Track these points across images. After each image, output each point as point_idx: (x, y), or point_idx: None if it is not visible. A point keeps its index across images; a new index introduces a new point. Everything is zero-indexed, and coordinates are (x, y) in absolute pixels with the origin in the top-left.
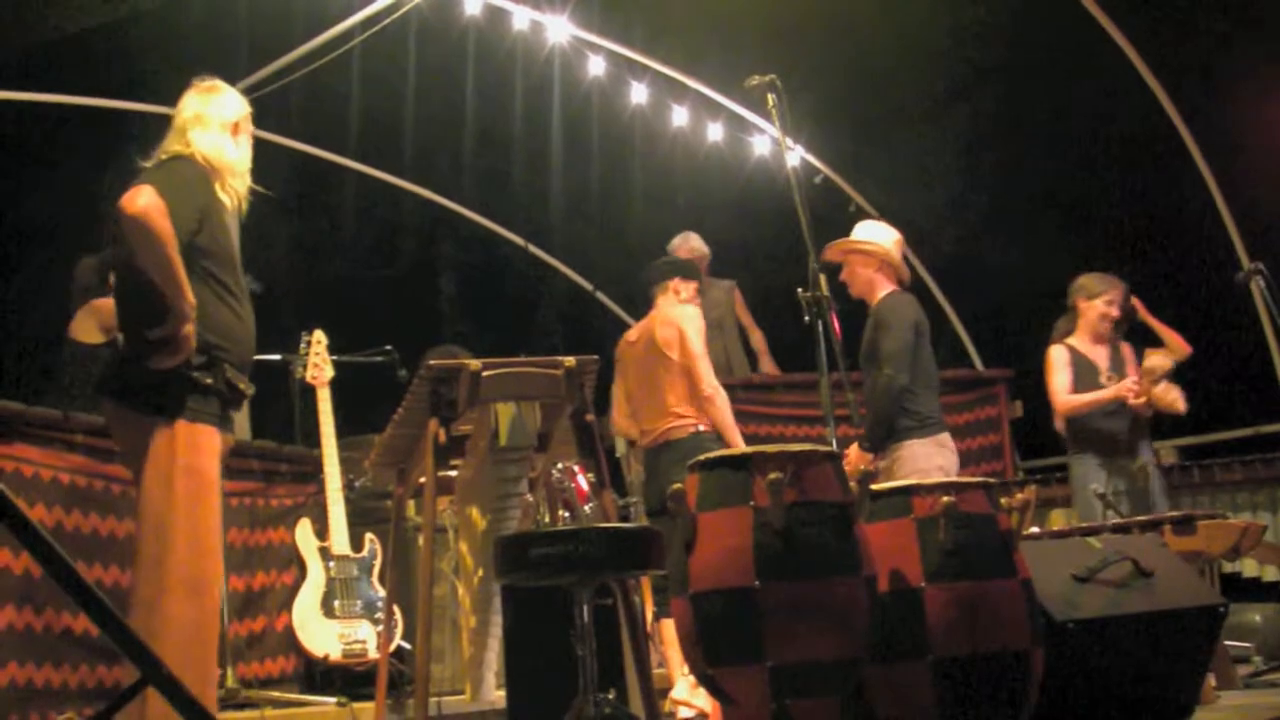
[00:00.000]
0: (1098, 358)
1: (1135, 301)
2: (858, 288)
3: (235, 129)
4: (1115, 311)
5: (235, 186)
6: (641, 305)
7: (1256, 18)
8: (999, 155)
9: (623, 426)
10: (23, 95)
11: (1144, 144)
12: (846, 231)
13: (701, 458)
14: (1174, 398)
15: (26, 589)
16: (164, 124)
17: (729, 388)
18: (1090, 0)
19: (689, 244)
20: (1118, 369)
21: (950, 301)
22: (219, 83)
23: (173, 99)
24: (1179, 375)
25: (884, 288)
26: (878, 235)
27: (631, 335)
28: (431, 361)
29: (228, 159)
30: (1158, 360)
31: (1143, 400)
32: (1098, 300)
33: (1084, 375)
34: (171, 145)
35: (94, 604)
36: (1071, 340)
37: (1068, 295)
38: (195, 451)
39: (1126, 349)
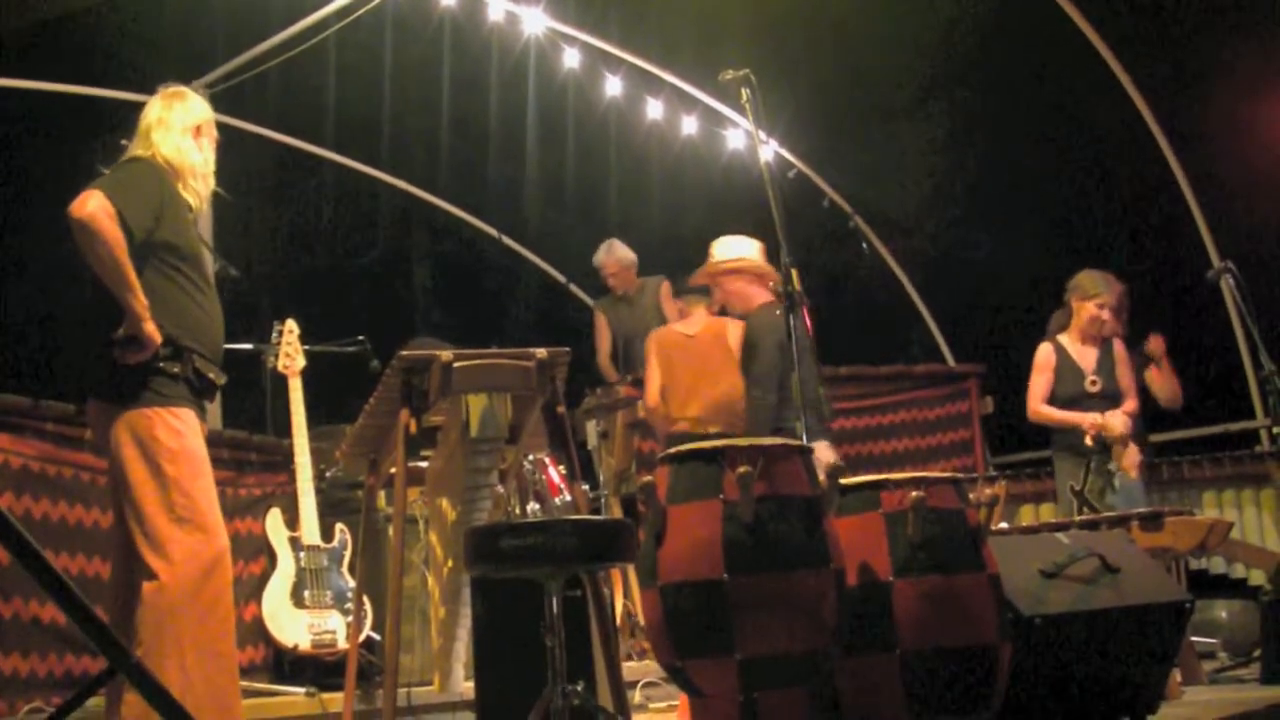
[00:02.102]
0: (1085, 360)
1: (1156, 343)
2: (736, 305)
3: (197, 132)
4: (1106, 315)
5: (197, 188)
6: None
7: (1232, 19)
8: (974, 152)
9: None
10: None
11: (1118, 142)
12: (819, 226)
13: (671, 450)
14: (1130, 463)
15: None
16: (138, 112)
17: None
18: (1075, 11)
19: (614, 257)
20: (1105, 372)
21: (922, 297)
22: (184, 89)
23: (148, 87)
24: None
25: (758, 299)
26: (740, 249)
27: (691, 329)
28: (403, 352)
29: (189, 160)
30: (1116, 422)
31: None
32: (1090, 302)
33: (1068, 377)
34: (134, 149)
35: (64, 593)
36: (1062, 339)
37: (1066, 290)
38: (180, 434)
39: (1119, 348)
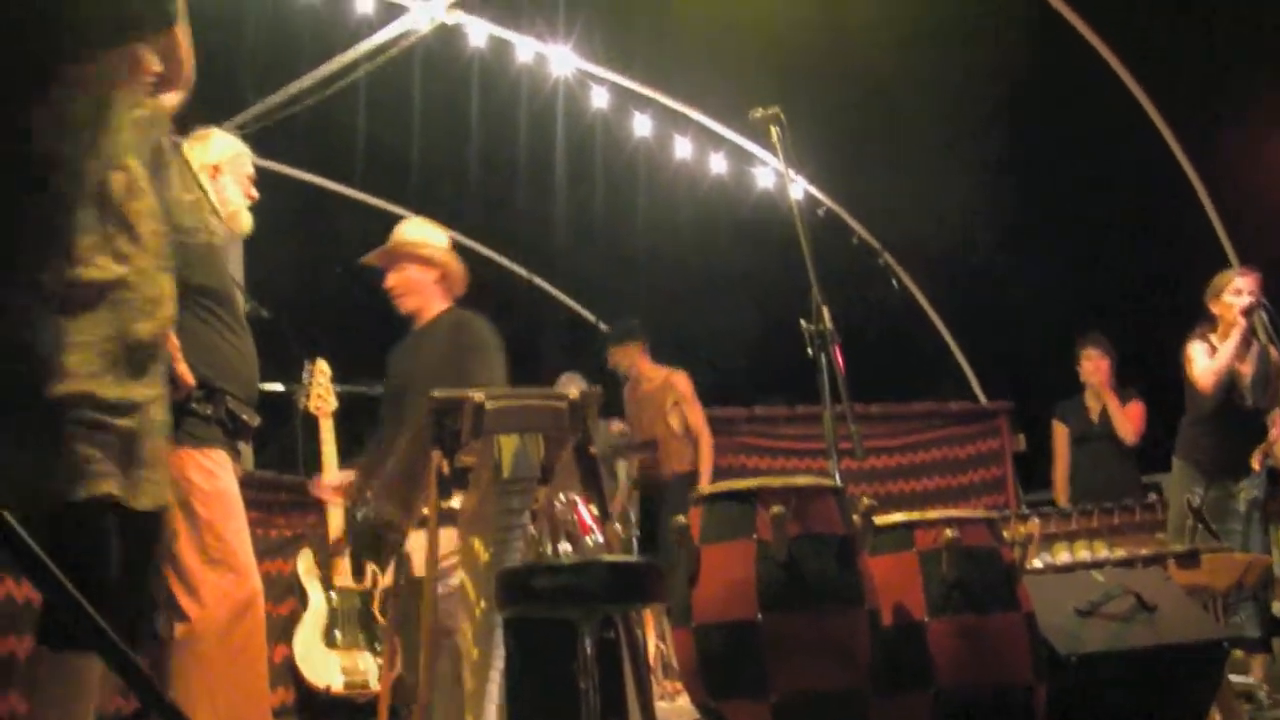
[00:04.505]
0: (1240, 367)
1: None
2: (411, 299)
3: (215, 171)
4: (1248, 295)
5: (215, 226)
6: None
7: (1259, 52)
8: (1006, 188)
9: None
10: None
11: (1150, 182)
12: (848, 263)
13: (705, 490)
14: None
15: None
16: None
17: (734, 419)
18: (1096, 37)
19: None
20: (1259, 386)
21: (953, 333)
22: (209, 131)
23: (182, 130)
24: None
25: (441, 302)
26: (434, 238)
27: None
28: (435, 393)
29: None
30: None
31: None
32: (1226, 291)
33: (1217, 388)
34: None
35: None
36: (1214, 339)
37: (1206, 299)
38: (213, 475)
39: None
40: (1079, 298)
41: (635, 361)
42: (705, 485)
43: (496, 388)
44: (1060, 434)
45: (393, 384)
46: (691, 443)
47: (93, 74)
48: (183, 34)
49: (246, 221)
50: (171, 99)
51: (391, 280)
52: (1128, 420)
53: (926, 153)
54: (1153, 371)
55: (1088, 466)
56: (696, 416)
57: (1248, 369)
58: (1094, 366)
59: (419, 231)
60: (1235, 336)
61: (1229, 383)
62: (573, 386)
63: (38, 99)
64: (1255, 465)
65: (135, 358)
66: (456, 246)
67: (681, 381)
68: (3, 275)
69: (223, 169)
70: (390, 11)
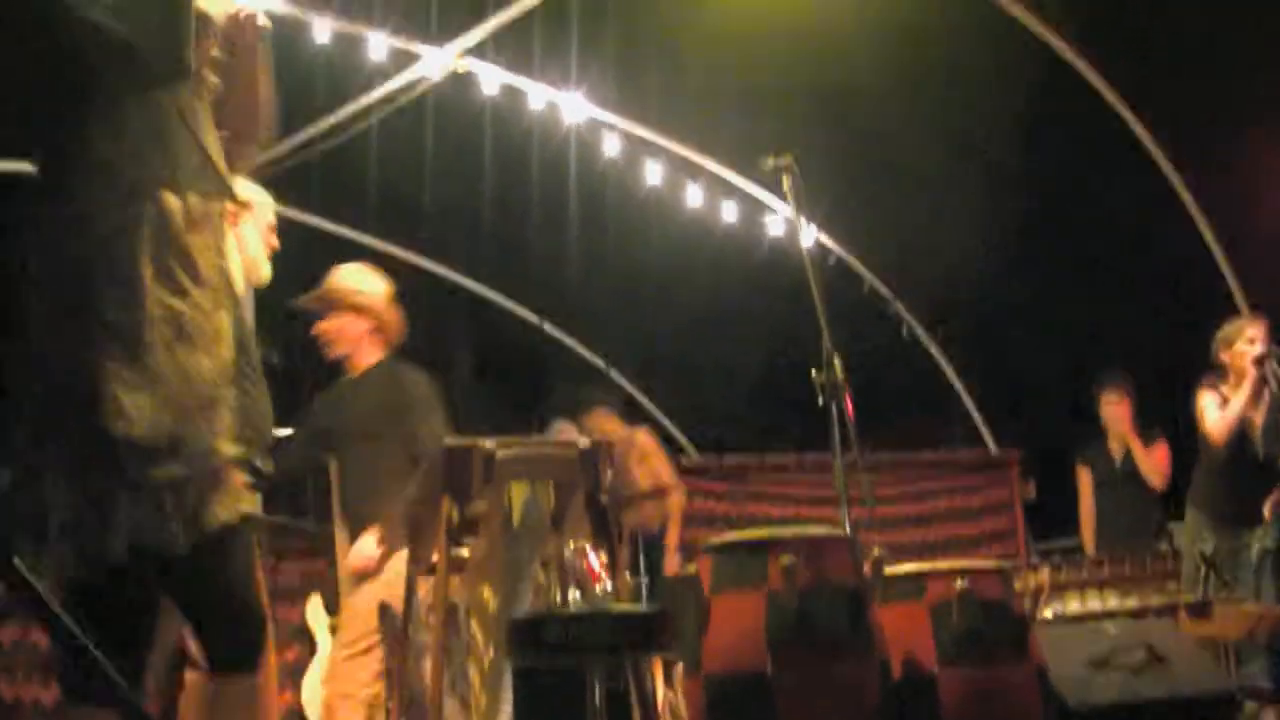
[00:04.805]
0: (1252, 416)
1: None
2: (341, 347)
3: (235, 219)
4: (1260, 345)
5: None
6: (661, 384)
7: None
8: (1014, 237)
9: None
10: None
11: (1158, 227)
12: (859, 311)
13: (715, 540)
14: None
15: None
16: None
17: (745, 467)
18: (1103, 82)
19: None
20: (1272, 434)
21: (963, 381)
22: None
23: None
24: None
25: (375, 353)
26: (370, 285)
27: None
28: (446, 441)
29: None
30: None
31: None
32: (1239, 342)
33: (1230, 437)
34: None
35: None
36: (1225, 390)
37: (1213, 350)
38: None
39: None
40: (1091, 344)
41: (602, 426)
42: (673, 539)
43: (436, 440)
44: (1084, 479)
45: (312, 428)
46: (663, 501)
47: (151, 109)
48: (264, 84)
49: (266, 272)
50: (246, 152)
51: (323, 326)
52: (1154, 463)
53: (935, 199)
54: (1161, 414)
55: (1112, 511)
56: (664, 470)
57: (1260, 418)
58: (1114, 410)
59: (355, 278)
60: (1247, 387)
61: (1241, 432)
62: (566, 435)
63: (96, 122)
64: (1267, 514)
65: (199, 397)
66: (468, 294)
67: (642, 438)
68: (66, 310)
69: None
70: (403, 59)
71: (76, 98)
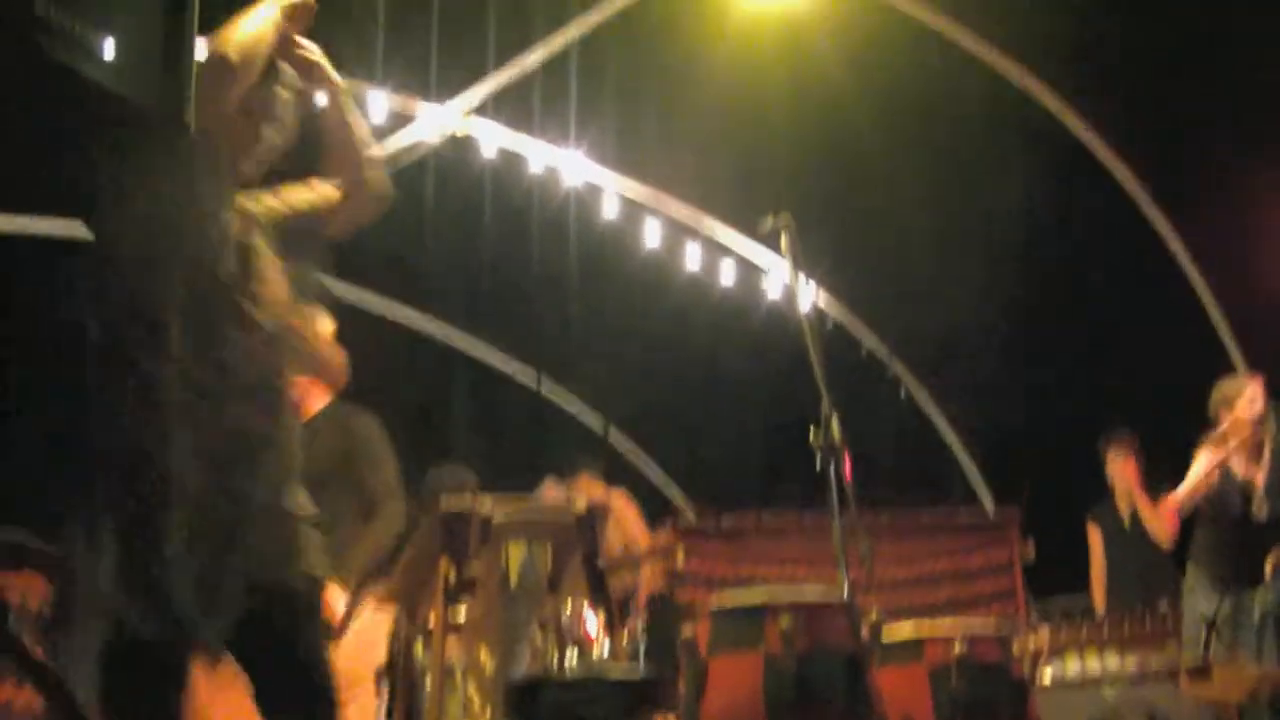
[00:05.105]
0: (1253, 475)
1: None
2: None
3: None
4: (1259, 404)
5: None
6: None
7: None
8: (1011, 294)
9: None
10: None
11: (1156, 291)
12: (857, 373)
13: (713, 603)
14: None
15: None
16: None
17: (743, 528)
18: (1097, 140)
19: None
20: (1276, 493)
21: (961, 442)
22: None
23: None
24: None
25: (320, 397)
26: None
27: None
28: (443, 503)
29: None
30: None
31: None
32: (1238, 401)
33: (1231, 495)
34: None
35: None
36: (1227, 448)
37: (1210, 412)
38: None
39: None
40: (1089, 406)
41: (586, 491)
42: (641, 603)
43: (397, 490)
44: (1095, 537)
45: None
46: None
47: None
48: (357, 129)
49: None
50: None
51: None
52: (1161, 521)
53: (934, 260)
54: (1170, 470)
55: (1122, 569)
56: (637, 534)
57: (1261, 477)
58: (1119, 468)
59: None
60: (1203, 462)
61: (1241, 492)
62: (554, 492)
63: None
64: (1268, 573)
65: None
66: (466, 357)
67: (617, 500)
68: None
69: None
70: (401, 121)
71: (106, 157)
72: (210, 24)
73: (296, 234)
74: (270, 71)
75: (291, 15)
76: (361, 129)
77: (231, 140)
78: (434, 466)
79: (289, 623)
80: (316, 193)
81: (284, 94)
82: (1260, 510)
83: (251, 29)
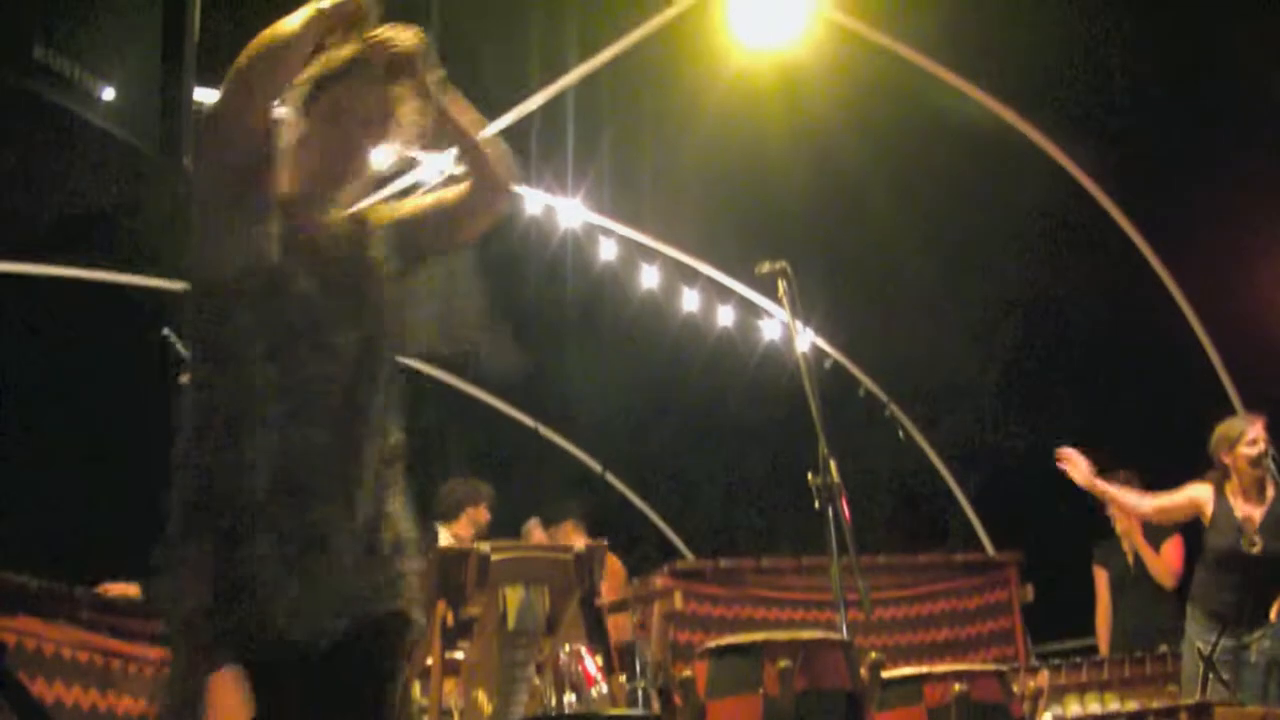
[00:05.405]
0: (1249, 515)
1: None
2: None
3: None
4: (1260, 444)
5: None
6: (654, 486)
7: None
8: (1009, 336)
9: None
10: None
11: (1154, 330)
12: (855, 414)
13: (711, 645)
14: None
15: None
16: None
17: (741, 570)
18: (1088, 180)
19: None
20: (1270, 531)
21: (959, 483)
22: None
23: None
24: None
25: None
26: None
27: None
28: (440, 546)
29: None
30: None
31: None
32: (1240, 445)
33: (1225, 530)
34: None
35: None
36: (1226, 488)
37: (1211, 452)
38: None
39: None
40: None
41: (569, 538)
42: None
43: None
44: (1101, 579)
45: None
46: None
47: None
48: (460, 114)
49: None
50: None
51: None
52: (1163, 564)
53: (930, 303)
54: None
55: (1126, 611)
56: (609, 590)
57: (1259, 515)
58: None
59: None
60: (1189, 494)
61: (1238, 530)
62: (537, 532)
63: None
64: (1273, 617)
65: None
66: (460, 393)
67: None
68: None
69: None
70: (400, 163)
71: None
72: (211, 72)
73: (428, 240)
74: (354, 71)
75: (335, 15)
76: (466, 112)
77: (318, 148)
78: (451, 479)
79: (367, 665)
80: (437, 195)
81: (377, 92)
82: (1253, 546)
83: (271, 32)
